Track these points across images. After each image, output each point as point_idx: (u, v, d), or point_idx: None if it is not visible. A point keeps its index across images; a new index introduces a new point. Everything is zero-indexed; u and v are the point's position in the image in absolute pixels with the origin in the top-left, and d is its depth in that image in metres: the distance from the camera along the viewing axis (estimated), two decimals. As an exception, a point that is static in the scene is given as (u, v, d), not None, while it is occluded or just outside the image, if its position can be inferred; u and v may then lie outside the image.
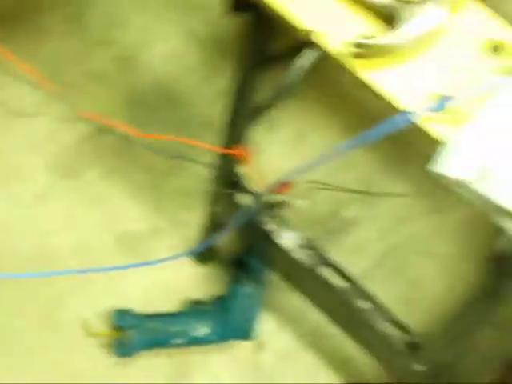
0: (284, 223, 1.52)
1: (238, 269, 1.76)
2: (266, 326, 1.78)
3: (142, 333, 1.70)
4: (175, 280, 1.81)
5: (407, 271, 1.83)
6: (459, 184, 0.97)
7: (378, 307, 1.47)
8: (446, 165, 0.98)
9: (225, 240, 1.79)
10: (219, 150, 1.23)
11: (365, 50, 1.01)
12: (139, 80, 1.98)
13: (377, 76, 1.02)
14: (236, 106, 1.38)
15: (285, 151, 1.92)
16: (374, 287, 1.75)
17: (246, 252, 1.76)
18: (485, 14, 1.06)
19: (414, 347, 1.44)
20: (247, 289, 1.72)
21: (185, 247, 1.81)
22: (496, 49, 1.04)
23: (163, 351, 1.75)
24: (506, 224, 0.97)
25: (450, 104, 0.99)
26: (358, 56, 1.02)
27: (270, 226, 1.52)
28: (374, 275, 1.82)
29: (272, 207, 1.41)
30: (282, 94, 1.51)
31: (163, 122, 1.91)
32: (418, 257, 1.83)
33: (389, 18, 1.04)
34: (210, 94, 1.93)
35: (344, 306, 1.50)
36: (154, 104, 1.96)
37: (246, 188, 1.47)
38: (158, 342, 1.73)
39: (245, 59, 1.28)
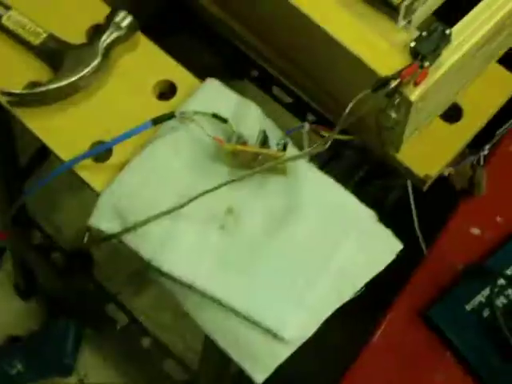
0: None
1: (55, 303, 1.74)
2: (88, 360, 1.75)
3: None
4: (-1, 317, 1.80)
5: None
6: (109, 237, 0.94)
7: (159, 344, 1.45)
8: (98, 217, 0.95)
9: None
10: None
11: (23, 100, 0.99)
12: None
13: (40, 124, 0.99)
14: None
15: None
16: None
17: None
18: (159, 55, 1.03)
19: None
20: (61, 323, 1.70)
21: (9, 281, 1.80)
22: (165, 91, 1.01)
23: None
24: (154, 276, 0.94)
25: (106, 151, 0.96)
26: (19, 105, 0.99)
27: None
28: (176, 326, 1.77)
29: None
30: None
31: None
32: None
33: (56, 64, 1.01)
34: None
35: (129, 344, 1.48)
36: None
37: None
38: (-24, 381, 1.72)
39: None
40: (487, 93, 0.98)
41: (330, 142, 0.87)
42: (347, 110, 0.84)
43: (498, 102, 0.98)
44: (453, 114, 0.98)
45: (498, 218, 1.22)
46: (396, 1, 0.86)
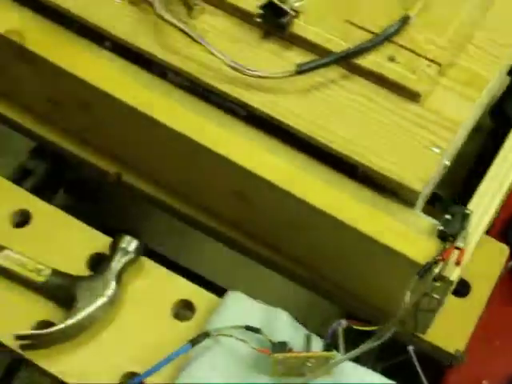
0: None
1: None
2: None
3: None
4: None
5: None
6: None
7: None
8: None
9: None
10: None
11: (37, 341, 0.93)
12: None
13: (62, 366, 0.93)
14: None
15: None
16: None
17: None
18: (169, 276, 1.01)
19: None
20: None
21: None
22: (186, 309, 0.99)
23: None
24: None
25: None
26: (31, 348, 0.93)
27: None
28: None
29: None
30: None
31: None
32: None
33: (66, 300, 0.97)
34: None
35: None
36: None
37: None
38: None
39: None
40: (486, 265, 1.03)
41: (385, 337, 0.87)
42: (407, 301, 0.85)
43: (497, 272, 1.04)
44: (461, 289, 1.02)
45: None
46: (418, 189, 0.90)
